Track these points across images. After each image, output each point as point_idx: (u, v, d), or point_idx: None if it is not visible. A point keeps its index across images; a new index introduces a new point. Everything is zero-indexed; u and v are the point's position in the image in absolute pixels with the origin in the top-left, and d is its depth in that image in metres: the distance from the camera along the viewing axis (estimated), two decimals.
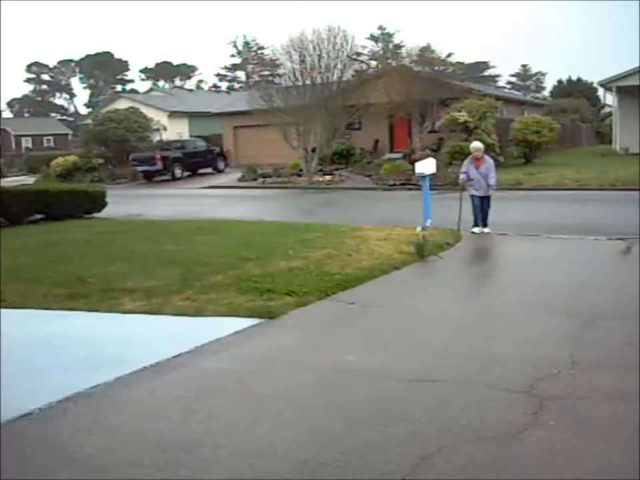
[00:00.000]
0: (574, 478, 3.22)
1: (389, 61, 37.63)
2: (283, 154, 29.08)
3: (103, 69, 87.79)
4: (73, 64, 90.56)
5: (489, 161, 11.58)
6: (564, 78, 58.80)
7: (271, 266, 8.29)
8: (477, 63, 79.95)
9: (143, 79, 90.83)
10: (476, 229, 11.33)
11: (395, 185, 21.90)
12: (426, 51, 29.57)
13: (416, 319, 6.44)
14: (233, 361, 5.13)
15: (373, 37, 75.81)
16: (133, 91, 76.13)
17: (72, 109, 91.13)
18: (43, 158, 38.10)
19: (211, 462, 3.46)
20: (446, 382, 4.49)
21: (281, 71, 28.05)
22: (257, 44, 80.00)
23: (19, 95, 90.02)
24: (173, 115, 46.42)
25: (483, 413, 3.93)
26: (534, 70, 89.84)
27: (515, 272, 8.20)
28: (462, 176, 11.73)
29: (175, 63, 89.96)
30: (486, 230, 11.33)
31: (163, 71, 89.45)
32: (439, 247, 9.48)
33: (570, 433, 3.64)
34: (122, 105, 40.48)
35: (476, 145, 11.81)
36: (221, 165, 32.89)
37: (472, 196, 11.46)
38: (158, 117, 41.37)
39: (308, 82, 25.57)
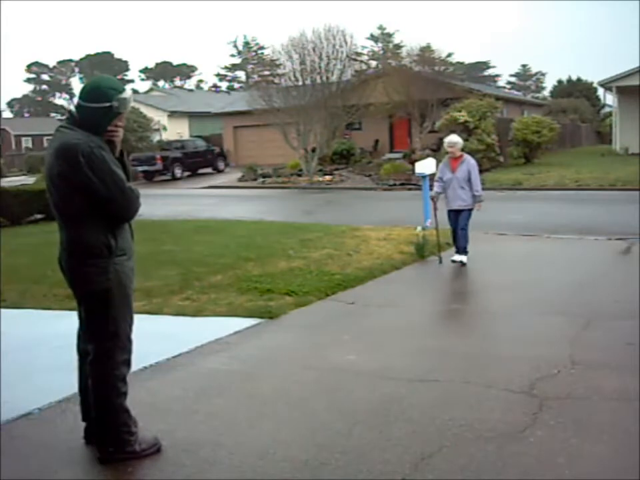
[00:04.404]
0: (574, 478, 3.22)
1: (389, 61, 37.66)
2: (283, 154, 29.12)
3: (103, 69, 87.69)
4: (72, 64, 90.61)
5: (469, 161, 8.65)
6: (564, 78, 58.91)
7: (271, 266, 8.29)
8: (477, 62, 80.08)
9: (142, 79, 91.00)
10: (456, 257, 8.65)
11: (395, 184, 21.92)
12: (426, 50, 29.60)
13: (416, 319, 6.44)
14: (232, 360, 5.13)
15: (372, 37, 75.85)
16: (133, 91, 75.81)
17: (72, 108, 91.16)
18: (43, 158, 38.09)
19: (211, 462, 3.46)
20: (446, 382, 4.49)
21: (280, 71, 28.06)
22: (257, 44, 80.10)
23: (19, 95, 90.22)
24: (172, 114, 46.46)
25: (483, 413, 3.93)
26: (534, 70, 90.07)
27: (515, 272, 8.20)
28: (435, 186, 8.89)
29: (175, 63, 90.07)
30: (459, 258, 8.57)
31: (163, 71, 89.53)
32: (439, 247, 9.47)
33: (570, 433, 3.64)
34: None
35: (450, 139, 8.80)
36: (220, 165, 32.92)
37: (448, 211, 8.81)
38: (158, 116, 41.42)
39: (308, 82, 25.58)
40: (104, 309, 3.37)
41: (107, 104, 3.30)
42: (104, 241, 3.32)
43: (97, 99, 3.31)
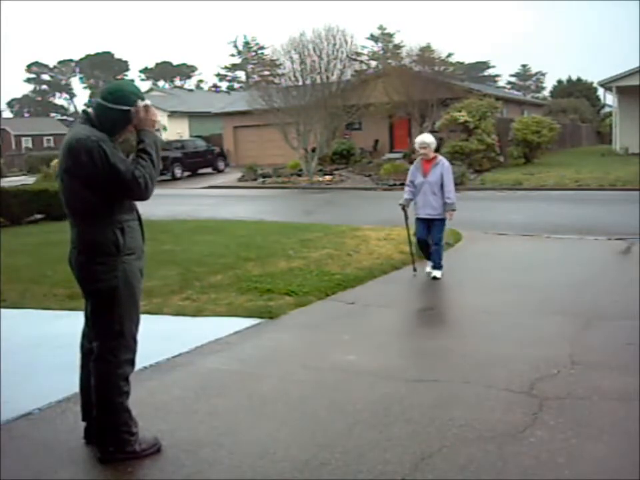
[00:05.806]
0: (574, 478, 3.22)
1: (389, 61, 37.65)
2: (283, 154, 29.13)
3: (103, 69, 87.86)
4: (73, 64, 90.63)
5: (443, 164, 7.79)
6: (564, 78, 59.01)
7: (271, 266, 8.29)
8: (477, 62, 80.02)
9: (143, 79, 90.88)
10: (429, 269, 7.98)
11: (394, 184, 21.89)
12: (426, 50, 29.59)
13: (416, 319, 6.43)
14: (232, 361, 5.13)
15: (372, 37, 75.78)
16: None
17: (72, 108, 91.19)
18: (43, 158, 38.14)
19: (211, 462, 3.46)
20: (446, 382, 4.49)
21: (280, 71, 28.05)
22: (257, 44, 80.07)
23: (19, 95, 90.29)
24: (173, 114, 46.43)
25: (483, 413, 3.93)
26: (534, 70, 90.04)
27: (515, 272, 8.20)
28: (405, 192, 8.12)
29: (175, 63, 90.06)
30: (435, 273, 7.80)
31: (163, 71, 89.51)
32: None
33: (570, 433, 3.64)
34: None
35: (422, 138, 7.91)
36: (221, 165, 32.92)
37: (417, 219, 8.01)
38: (158, 116, 41.28)
39: (308, 82, 25.57)
40: (110, 307, 3.39)
41: (126, 107, 3.37)
42: (112, 239, 3.35)
43: (118, 100, 3.37)
